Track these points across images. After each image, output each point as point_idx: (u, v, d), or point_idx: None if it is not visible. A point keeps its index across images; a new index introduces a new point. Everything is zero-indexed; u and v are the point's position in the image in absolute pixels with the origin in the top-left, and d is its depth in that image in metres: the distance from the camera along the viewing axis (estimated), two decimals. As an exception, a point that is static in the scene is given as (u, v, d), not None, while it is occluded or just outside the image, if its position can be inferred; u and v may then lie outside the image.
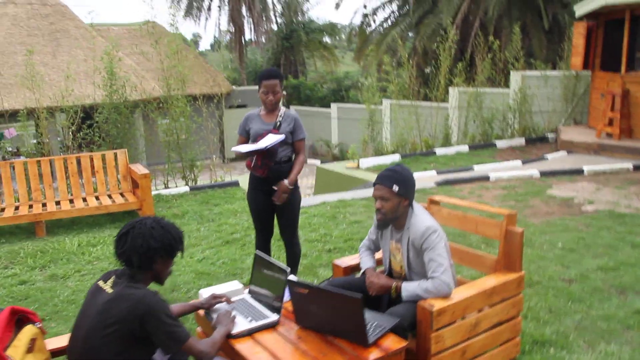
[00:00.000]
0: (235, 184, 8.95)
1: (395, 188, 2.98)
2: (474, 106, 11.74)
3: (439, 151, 11.07)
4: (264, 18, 29.24)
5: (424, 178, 8.98)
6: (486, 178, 8.68)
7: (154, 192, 8.26)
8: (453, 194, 7.71)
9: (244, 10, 27.89)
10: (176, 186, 8.90)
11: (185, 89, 8.71)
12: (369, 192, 8.18)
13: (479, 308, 2.96)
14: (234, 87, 24.67)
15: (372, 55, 21.03)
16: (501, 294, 3.04)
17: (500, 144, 11.45)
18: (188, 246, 5.88)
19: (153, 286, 2.49)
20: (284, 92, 24.15)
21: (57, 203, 7.04)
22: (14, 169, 6.96)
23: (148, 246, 2.32)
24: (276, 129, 3.98)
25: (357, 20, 32.67)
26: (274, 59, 30.99)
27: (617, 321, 3.81)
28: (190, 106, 8.84)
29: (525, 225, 6.15)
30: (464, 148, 11.27)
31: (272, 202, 4.21)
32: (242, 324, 2.73)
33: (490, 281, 3.04)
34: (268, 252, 4.54)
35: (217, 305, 2.91)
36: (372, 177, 9.63)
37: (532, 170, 8.82)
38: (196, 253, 5.67)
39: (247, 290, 3.14)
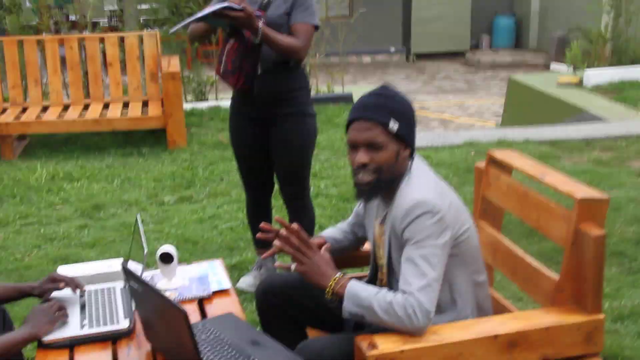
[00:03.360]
0: (348, 97, 6.22)
1: (394, 125, 1.59)
2: None
3: None
4: None
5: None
6: None
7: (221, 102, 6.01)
8: None
9: None
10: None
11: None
12: (569, 131, 5.21)
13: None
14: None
15: None
16: (539, 349, 1.56)
17: None
18: (209, 194, 4.18)
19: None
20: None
21: (44, 109, 5.04)
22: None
23: None
24: (262, 10, 2.57)
25: None
26: None
27: None
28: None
29: None
30: None
31: (264, 138, 2.73)
32: (71, 328, 1.77)
33: (515, 322, 1.60)
34: (268, 217, 2.93)
35: (56, 293, 1.90)
36: (598, 103, 6.15)
37: None
38: (208, 207, 3.95)
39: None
